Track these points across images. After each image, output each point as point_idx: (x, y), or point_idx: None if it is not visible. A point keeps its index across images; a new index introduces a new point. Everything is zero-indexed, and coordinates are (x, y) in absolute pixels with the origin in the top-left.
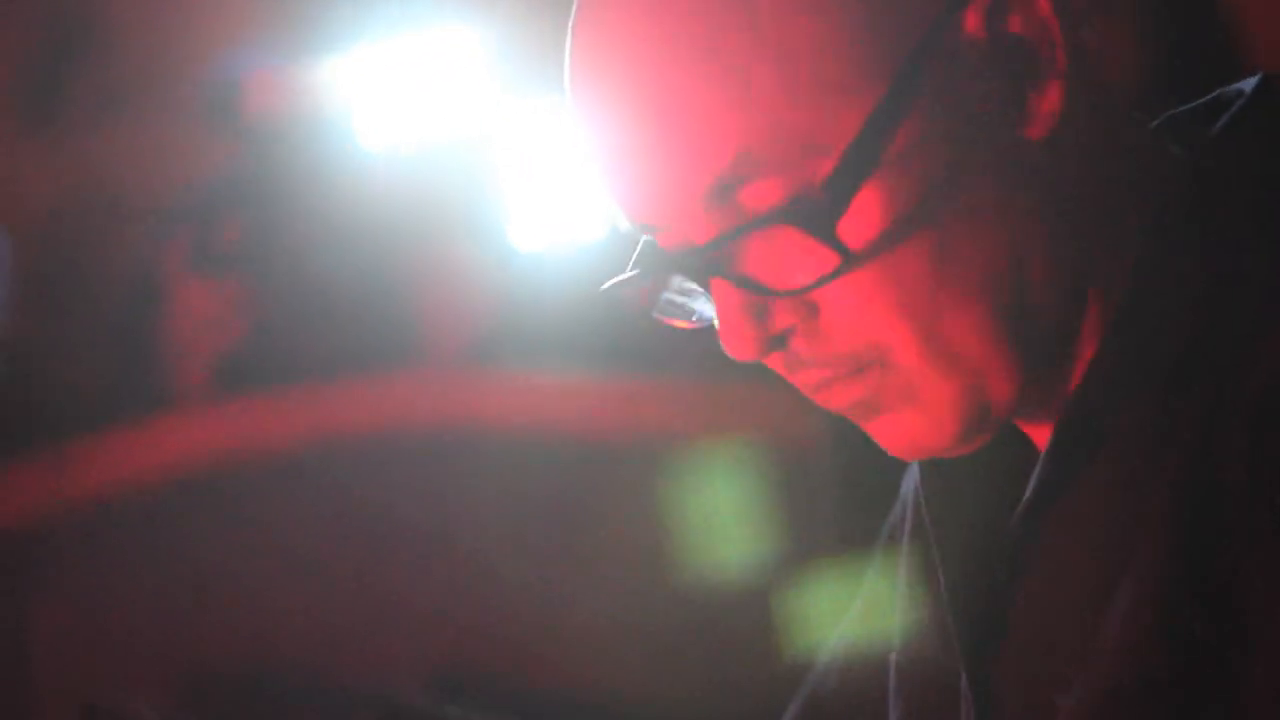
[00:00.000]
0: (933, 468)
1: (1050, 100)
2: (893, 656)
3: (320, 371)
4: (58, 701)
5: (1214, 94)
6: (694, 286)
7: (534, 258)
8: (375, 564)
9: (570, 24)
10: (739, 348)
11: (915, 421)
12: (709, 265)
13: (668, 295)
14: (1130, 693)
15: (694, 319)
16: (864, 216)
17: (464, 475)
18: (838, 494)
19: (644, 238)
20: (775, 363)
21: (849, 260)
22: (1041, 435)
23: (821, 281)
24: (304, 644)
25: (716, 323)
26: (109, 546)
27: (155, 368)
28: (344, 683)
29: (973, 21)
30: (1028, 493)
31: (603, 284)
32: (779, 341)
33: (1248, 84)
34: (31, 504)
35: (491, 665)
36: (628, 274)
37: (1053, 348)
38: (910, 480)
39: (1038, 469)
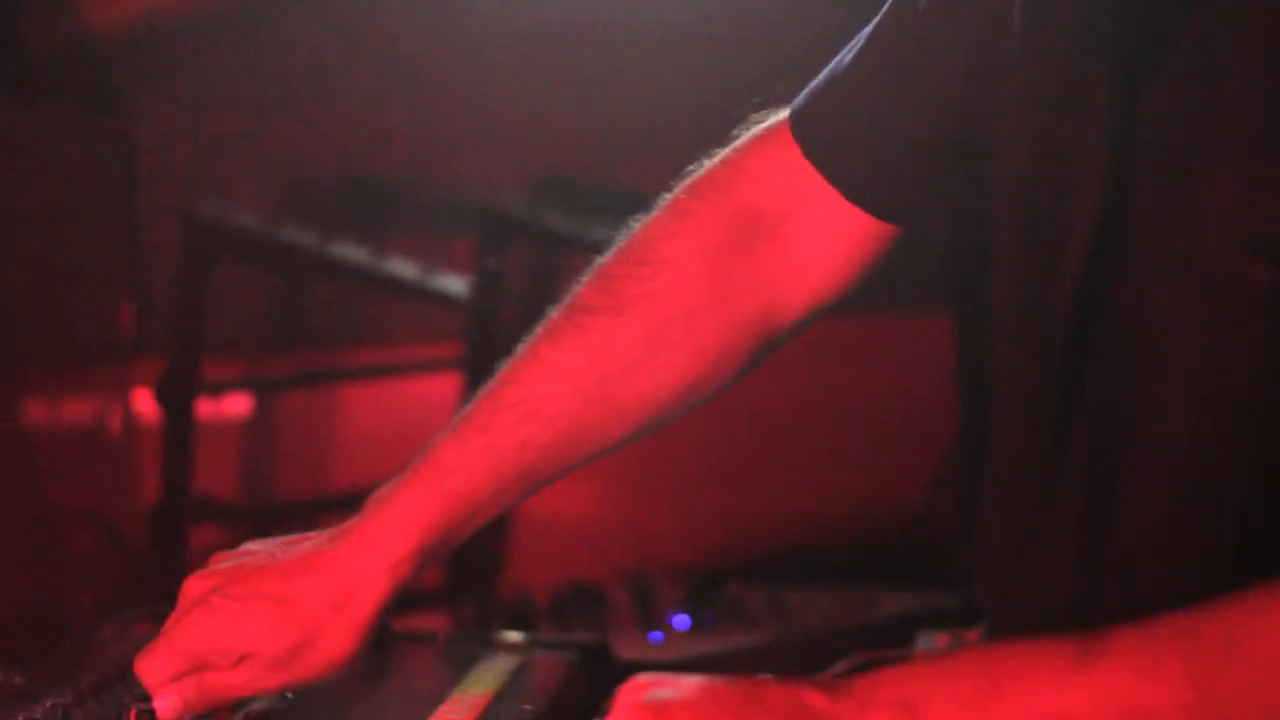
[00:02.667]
0: None
1: None
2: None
3: None
4: (160, 210)
5: None
6: None
7: None
8: (476, 70)
9: None
10: None
11: None
12: None
13: None
14: None
15: None
16: None
17: None
18: None
19: None
20: None
21: None
22: None
23: None
24: (405, 151)
25: None
26: (213, 53)
27: None
28: (444, 190)
29: None
30: None
31: None
32: None
33: None
34: (135, 11)
35: (588, 172)
36: None
37: None
38: None
39: None
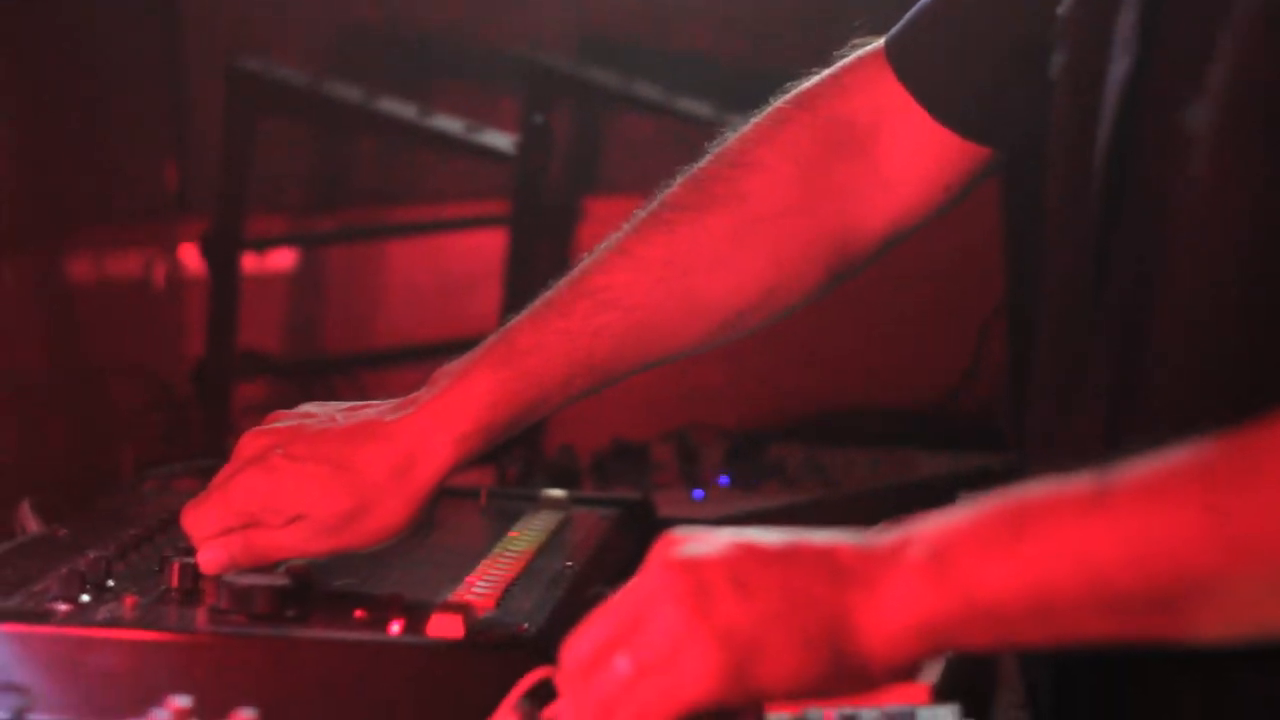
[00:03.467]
0: None
1: None
2: None
3: None
4: (205, 61)
5: None
6: None
7: None
8: None
9: None
10: None
11: None
12: None
13: None
14: None
15: None
16: None
17: None
18: None
19: None
20: None
21: None
22: None
23: None
24: (453, 5)
25: None
26: None
27: None
28: (491, 44)
29: None
30: None
31: None
32: None
33: None
34: None
35: (637, 30)
36: None
37: None
38: None
39: None
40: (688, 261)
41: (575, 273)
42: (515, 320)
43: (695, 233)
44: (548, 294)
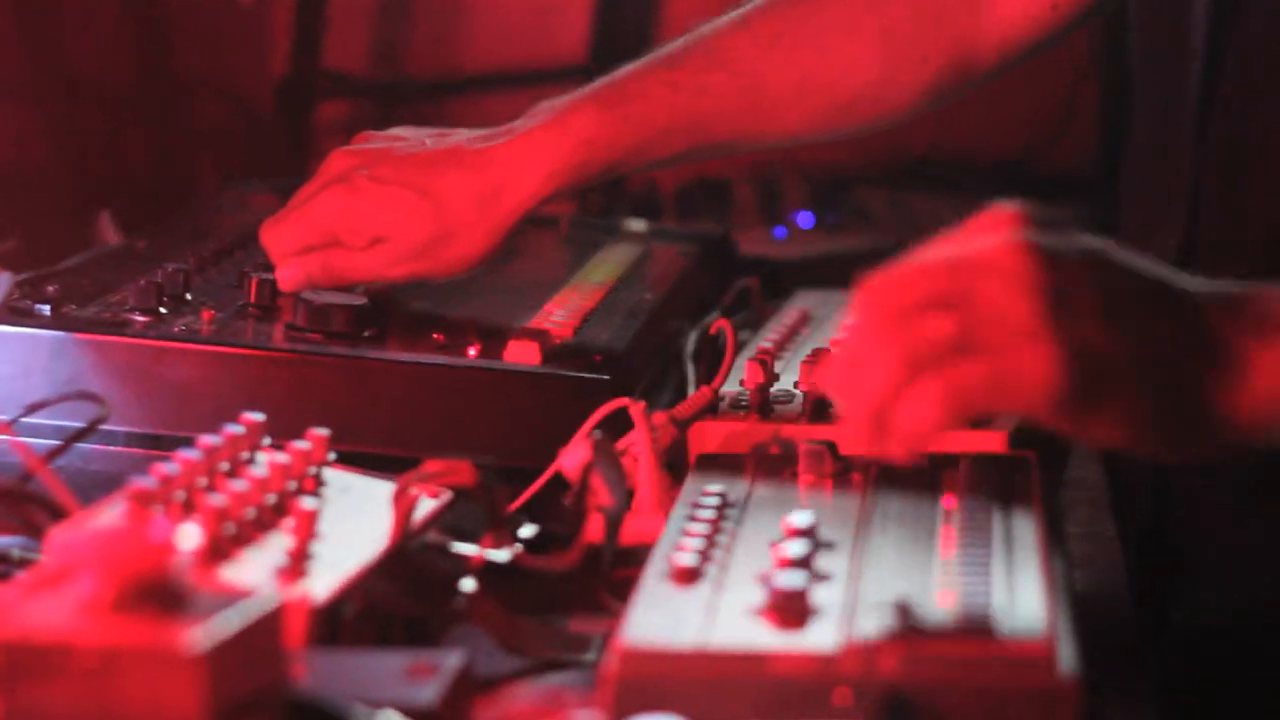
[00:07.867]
0: None
1: None
2: None
3: None
4: None
5: None
6: None
7: None
8: None
9: None
10: None
11: None
12: None
13: None
14: None
15: None
16: None
17: None
18: None
19: None
20: None
21: None
22: None
23: None
24: None
25: None
26: None
27: None
28: None
29: None
30: None
31: None
32: None
33: None
34: None
35: None
36: None
37: None
38: None
39: None
40: (801, 37)
41: (692, 34)
42: (624, 68)
43: (813, 11)
44: (661, 49)
